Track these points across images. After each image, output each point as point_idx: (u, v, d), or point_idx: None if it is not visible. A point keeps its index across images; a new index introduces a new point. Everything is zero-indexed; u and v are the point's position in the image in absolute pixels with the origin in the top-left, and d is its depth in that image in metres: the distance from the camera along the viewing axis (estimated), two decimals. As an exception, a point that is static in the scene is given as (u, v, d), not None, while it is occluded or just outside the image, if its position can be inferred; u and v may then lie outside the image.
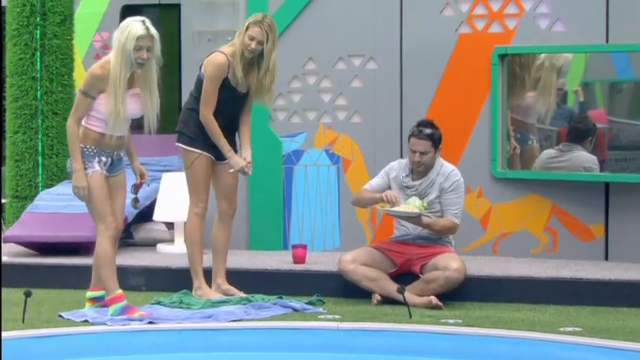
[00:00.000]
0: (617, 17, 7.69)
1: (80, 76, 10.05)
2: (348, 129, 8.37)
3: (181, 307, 6.79)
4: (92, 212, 6.48)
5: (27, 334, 6.00)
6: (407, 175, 7.05)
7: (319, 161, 8.43)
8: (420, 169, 6.98)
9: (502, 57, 7.93)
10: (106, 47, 10.72)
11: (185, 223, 7.21)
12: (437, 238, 7.02)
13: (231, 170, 6.99)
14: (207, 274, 7.12)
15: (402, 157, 7.89)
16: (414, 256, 6.98)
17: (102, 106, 6.34)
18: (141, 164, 6.75)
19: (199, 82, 7.00)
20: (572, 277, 7.12)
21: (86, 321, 6.41)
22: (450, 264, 6.79)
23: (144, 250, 8.44)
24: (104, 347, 6.00)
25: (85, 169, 6.39)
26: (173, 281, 7.38)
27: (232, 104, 6.98)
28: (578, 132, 7.93)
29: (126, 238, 8.62)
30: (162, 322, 6.36)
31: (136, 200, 6.85)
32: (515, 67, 7.99)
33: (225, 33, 8.43)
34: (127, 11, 10.63)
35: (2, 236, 8.12)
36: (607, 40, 7.73)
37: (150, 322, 6.33)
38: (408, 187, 7.01)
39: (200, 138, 6.95)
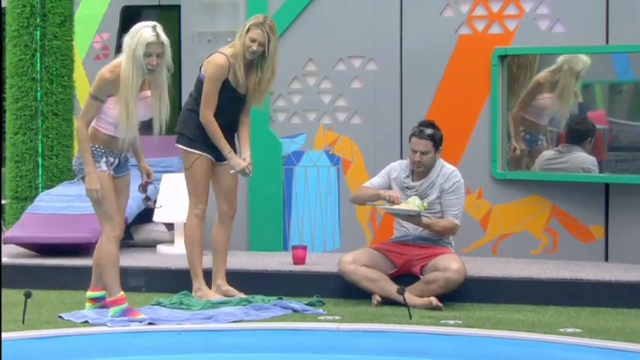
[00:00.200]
0: (617, 18, 7.69)
1: (80, 77, 10.10)
2: (348, 130, 8.37)
3: (181, 308, 6.79)
4: (98, 213, 6.47)
5: (27, 335, 6.00)
6: (407, 176, 7.05)
7: (319, 162, 8.43)
8: (420, 170, 6.98)
9: (502, 58, 7.93)
10: (106, 48, 10.74)
11: (185, 224, 7.20)
12: (437, 239, 7.02)
13: (232, 171, 6.99)
14: (208, 275, 7.12)
15: (402, 158, 7.90)
16: (414, 257, 6.98)
17: (111, 109, 6.32)
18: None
19: (199, 83, 7.00)
20: (572, 278, 7.12)
21: (86, 322, 6.41)
22: (450, 265, 6.79)
23: (144, 251, 8.44)
24: (104, 348, 6.00)
25: None
26: (173, 282, 7.38)
27: (232, 105, 6.98)
28: (578, 133, 7.92)
29: (126, 239, 8.61)
30: (162, 323, 6.36)
31: (147, 198, 6.87)
32: (517, 68, 7.99)
33: (225, 34, 8.42)
34: (127, 12, 10.65)
35: (2, 237, 8.12)
36: (607, 41, 7.73)
37: (150, 323, 6.33)
38: (408, 188, 7.01)
39: (200, 139, 6.95)
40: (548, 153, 8.00)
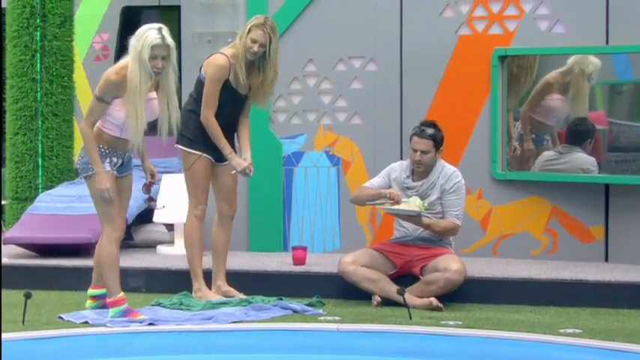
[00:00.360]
0: (617, 18, 7.69)
1: (80, 78, 10.10)
2: (348, 130, 8.37)
3: (181, 309, 6.79)
4: (100, 213, 6.46)
5: (27, 336, 6.00)
6: (408, 177, 7.05)
7: (319, 163, 8.43)
8: (420, 170, 6.98)
9: (502, 58, 7.93)
10: (106, 49, 10.75)
11: (185, 224, 7.20)
12: (437, 239, 7.02)
13: (233, 172, 6.99)
14: (208, 276, 7.11)
15: (402, 158, 7.90)
16: (414, 257, 6.98)
17: (116, 111, 6.30)
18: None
19: (199, 84, 7.00)
20: (572, 279, 7.12)
21: (86, 322, 6.41)
22: (450, 265, 6.79)
23: (144, 252, 8.44)
24: (104, 349, 6.00)
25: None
26: (173, 283, 7.38)
27: (233, 105, 6.98)
28: (578, 134, 7.92)
29: (126, 240, 8.60)
30: (162, 323, 6.36)
31: (150, 199, 6.87)
32: (517, 69, 8.00)
33: (225, 35, 8.42)
34: (127, 13, 10.66)
35: (2, 238, 8.12)
36: (607, 42, 7.73)
37: (150, 324, 6.33)
38: (409, 188, 7.01)
39: (200, 140, 6.95)
40: (548, 154, 8.00)
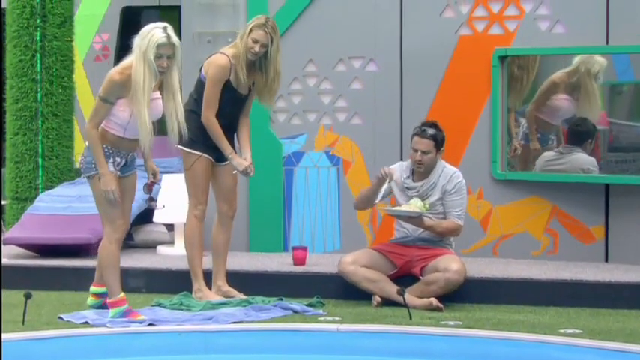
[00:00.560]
0: (617, 19, 7.69)
1: (80, 78, 10.10)
2: (348, 131, 8.37)
3: (181, 309, 6.79)
4: (101, 214, 6.45)
5: (27, 336, 6.00)
6: (408, 177, 7.05)
7: (319, 163, 8.43)
8: (420, 170, 6.98)
9: (502, 59, 7.93)
10: (106, 49, 10.76)
11: (185, 224, 7.20)
12: (437, 239, 7.02)
13: (234, 172, 6.99)
14: (208, 276, 7.11)
15: (402, 158, 7.90)
16: (414, 257, 6.98)
17: (121, 111, 6.29)
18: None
19: (200, 84, 7.00)
20: (572, 279, 7.12)
21: (86, 323, 6.41)
22: (450, 265, 6.79)
23: (144, 252, 8.44)
24: (104, 349, 6.00)
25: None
26: (173, 283, 7.38)
27: (233, 105, 6.98)
28: (578, 134, 7.92)
29: (126, 240, 8.60)
30: (162, 323, 6.36)
31: (151, 199, 6.87)
32: (517, 69, 8.00)
33: (226, 35, 8.42)
34: (127, 13, 10.66)
35: (2, 238, 8.12)
36: (607, 42, 7.73)
37: (150, 324, 6.33)
38: (409, 189, 7.01)
39: (200, 140, 6.95)
40: (548, 154, 8.00)
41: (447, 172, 7.00)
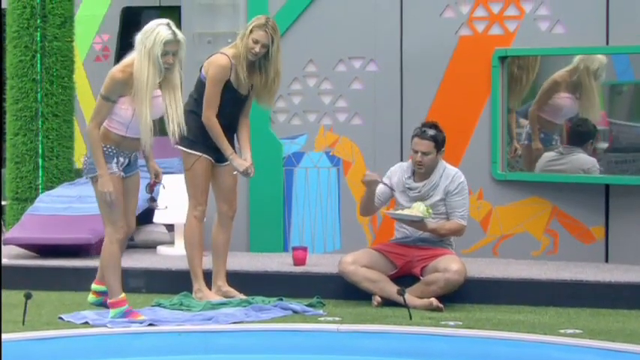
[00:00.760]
0: (617, 19, 7.69)
1: (80, 79, 10.10)
2: (349, 131, 8.37)
3: (181, 310, 6.79)
4: (103, 215, 6.45)
5: (27, 337, 6.00)
6: (409, 177, 7.05)
7: (319, 163, 8.43)
8: (421, 170, 6.98)
9: (502, 59, 7.93)
10: (106, 49, 10.76)
11: (185, 225, 7.20)
12: (437, 240, 7.02)
13: (234, 172, 6.99)
14: (208, 276, 7.11)
15: (402, 159, 7.90)
16: (415, 257, 6.98)
17: (123, 110, 6.28)
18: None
19: (200, 84, 7.00)
20: (572, 279, 7.12)
21: (86, 323, 6.41)
22: (450, 266, 6.79)
23: (144, 252, 8.44)
24: (104, 349, 6.00)
25: None
26: (173, 283, 7.38)
27: (233, 106, 6.98)
28: (579, 134, 7.92)
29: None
30: (162, 324, 6.36)
31: (152, 199, 6.87)
32: (517, 69, 7.99)
33: (226, 35, 8.42)
34: (127, 13, 10.66)
35: (2, 238, 8.12)
36: (607, 42, 7.73)
37: (150, 325, 6.33)
38: (410, 189, 7.01)
39: (200, 140, 6.95)
40: (549, 154, 8.00)
41: (449, 173, 6.99)
